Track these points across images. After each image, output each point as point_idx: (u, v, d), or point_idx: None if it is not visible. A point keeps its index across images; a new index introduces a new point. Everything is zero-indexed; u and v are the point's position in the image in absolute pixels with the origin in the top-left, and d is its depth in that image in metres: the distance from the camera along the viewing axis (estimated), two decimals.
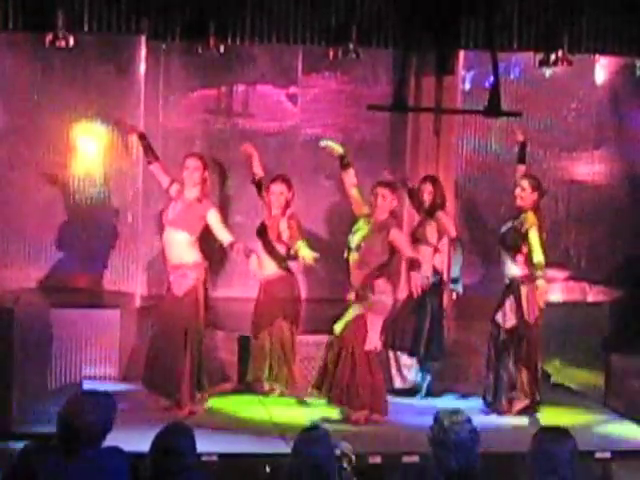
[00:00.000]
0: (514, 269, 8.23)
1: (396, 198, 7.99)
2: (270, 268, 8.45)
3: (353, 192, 8.12)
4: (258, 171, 8.54)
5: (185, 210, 7.90)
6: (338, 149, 8.10)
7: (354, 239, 7.92)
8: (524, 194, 8.23)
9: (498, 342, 8.31)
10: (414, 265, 7.95)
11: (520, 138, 8.66)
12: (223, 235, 7.87)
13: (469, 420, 4.55)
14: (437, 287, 8.72)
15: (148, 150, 8.16)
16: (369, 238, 7.84)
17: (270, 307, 8.43)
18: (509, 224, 8.31)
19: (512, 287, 8.25)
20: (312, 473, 4.40)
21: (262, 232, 8.41)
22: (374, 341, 7.90)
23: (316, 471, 4.40)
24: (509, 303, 8.27)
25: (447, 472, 4.44)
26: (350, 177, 8.09)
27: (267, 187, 8.45)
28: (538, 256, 8.02)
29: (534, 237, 8.08)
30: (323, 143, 8.18)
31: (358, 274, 7.86)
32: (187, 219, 7.88)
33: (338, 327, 7.91)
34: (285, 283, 8.47)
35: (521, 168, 8.58)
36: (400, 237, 7.94)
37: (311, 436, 4.53)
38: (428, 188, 8.72)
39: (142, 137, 8.20)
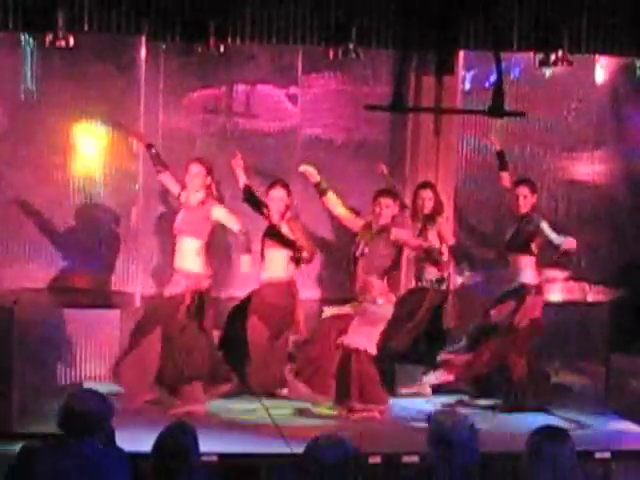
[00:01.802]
0: (523, 274, 8.28)
1: (397, 204, 8.10)
2: (275, 271, 8.43)
3: (340, 211, 8.20)
4: (243, 180, 8.44)
5: (190, 215, 7.95)
6: (315, 176, 8.14)
7: (359, 247, 7.95)
8: (526, 201, 8.31)
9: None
10: (429, 251, 8.03)
11: (497, 147, 8.78)
12: (233, 224, 7.95)
13: (466, 418, 4.55)
14: (439, 291, 8.78)
15: (156, 159, 8.23)
16: (372, 242, 7.89)
17: (265, 311, 8.42)
18: (514, 229, 8.35)
19: (518, 291, 8.29)
20: (323, 477, 4.36)
21: (272, 234, 8.39)
22: (370, 346, 7.95)
23: (328, 476, 4.36)
24: (512, 304, 8.30)
25: (447, 471, 4.43)
26: (331, 200, 8.14)
27: (265, 193, 8.46)
28: (558, 238, 8.11)
29: (547, 228, 8.18)
30: (302, 168, 8.21)
31: (364, 280, 7.90)
32: (193, 224, 7.93)
33: (328, 312, 7.95)
34: (286, 289, 8.46)
35: (505, 175, 8.67)
36: (402, 232, 8.05)
37: (325, 440, 4.48)
38: (428, 194, 8.81)
39: (149, 147, 8.27)
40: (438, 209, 8.82)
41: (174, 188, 8.22)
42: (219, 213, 7.98)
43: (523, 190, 8.38)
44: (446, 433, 4.46)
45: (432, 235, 8.72)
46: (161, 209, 9.36)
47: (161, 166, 8.24)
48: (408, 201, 8.94)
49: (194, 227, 7.96)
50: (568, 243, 8.08)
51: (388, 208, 7.98)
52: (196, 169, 8.01)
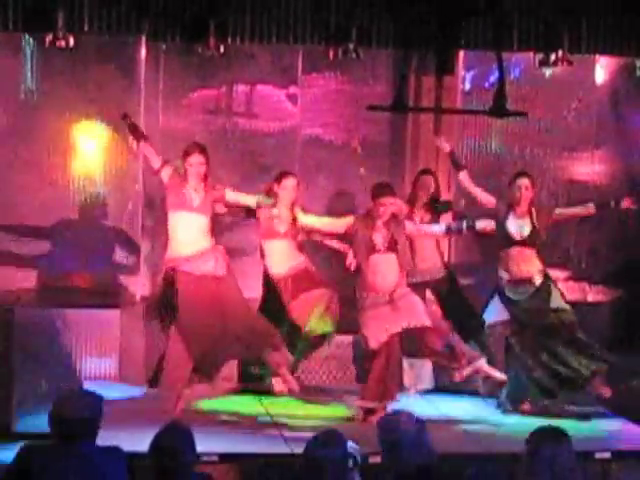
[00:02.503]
0: (538, 265, 8.30)
1: (397, 197, 8.18)
2: (278, 266, 8.45)
3: (323, 222, 8.36)
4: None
5: (205, 197, 7.99)
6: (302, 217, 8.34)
7: (378, 240, 7.97)
8: (528, 193, 8.32)
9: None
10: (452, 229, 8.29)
11: (447, 149, 8.75)
12: (249, 200, 8.15)
13: (415, 418, 4.53)
14: (445, 278, 8.86)
15: (134, 129, 8.22)
16: (399, 238, 7.98)
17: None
18: (528, 225, 8.33)
19: (543, 282, 8.30)
20: (324, 476, 4.35)
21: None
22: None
23: (328, 474, 4.35)
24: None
25: (401, 472, 4.41)
26: (310, 220, 8.35)
27: (278, 182, 8.46)
28: (583, 208, 8.55)
29: (566, 209, 8.60)
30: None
31: (398, 275, 7.96)
32: (207, 205, 7.99)
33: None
34: (311, 274, 8.51)
35: (462, 174, 8.66)
36: (413, 226, 8.26)
37: (325, 438, 4.48)
38: (429, 181, 8.89)
39: (125, 117, 8.23)
40: (437, 196, 8.95)
41: (155, 161, 8.16)
42: (232, 195, 8.14)
43: (524, 181, 8.36)
44: (389, 433, 4.45)
45: (435, 220, 8.84)
46: (161, 209, 9.35)
47: (140, 135, 8.22)
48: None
49: (209, 208, 8.03)
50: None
51: (392, 205, 8.08)
52: (199, 159, 8.02)
